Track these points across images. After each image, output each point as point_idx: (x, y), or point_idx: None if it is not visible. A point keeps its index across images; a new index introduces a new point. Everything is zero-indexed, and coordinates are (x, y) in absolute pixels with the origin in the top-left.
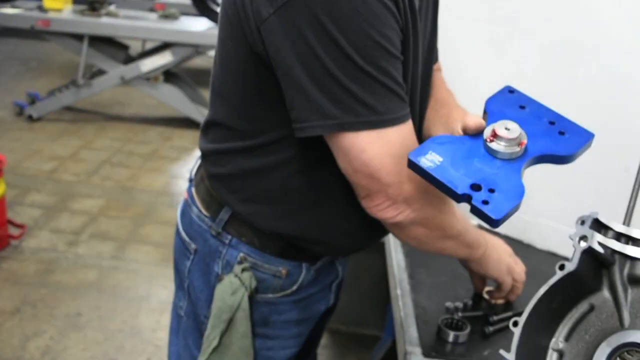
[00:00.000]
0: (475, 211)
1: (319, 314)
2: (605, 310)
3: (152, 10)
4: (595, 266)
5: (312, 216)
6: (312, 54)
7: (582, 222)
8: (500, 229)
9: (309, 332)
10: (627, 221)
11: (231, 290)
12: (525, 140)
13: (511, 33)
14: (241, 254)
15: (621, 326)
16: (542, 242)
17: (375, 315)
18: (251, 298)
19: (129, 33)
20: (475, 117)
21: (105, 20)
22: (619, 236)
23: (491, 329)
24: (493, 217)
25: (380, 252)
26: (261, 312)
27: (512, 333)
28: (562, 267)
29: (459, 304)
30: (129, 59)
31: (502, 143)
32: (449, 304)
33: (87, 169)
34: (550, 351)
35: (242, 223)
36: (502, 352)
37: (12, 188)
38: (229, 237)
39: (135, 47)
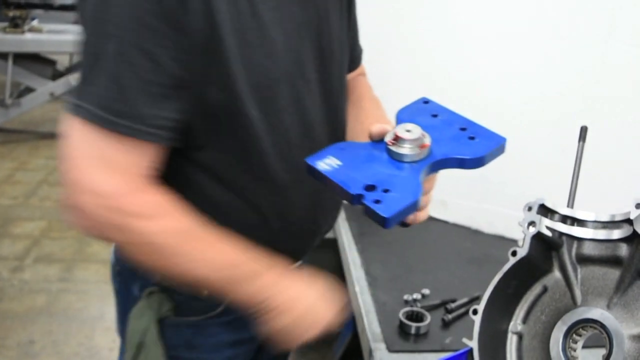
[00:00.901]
0: (368, 212)
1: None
2: (558, 290)
3: (76, 23)
4: (545, 249)
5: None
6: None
7: (530, 208)
8: (449, 217)
9: (252, 353)
10: (570, 203)
11: (139, 314)
12: (427, 143)
13: None
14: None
15: (574, 304)
16: (489, 227)
17: None
18: (164, 321)
19: (55, 48)
20: (378, 124)
21: (29, 36)
22: (564, 219)
23: (450, 316)
24: (383, 214)
25: (334, 250)
26: (184, 335)
27: (471, 319)
28: (514, 253)
29: (417, 295)
30: (58, 74)
31: (403, 145)
32: (407, 296)
33: (24, 191)
34: (509, 334)
35: None
36: (464, 340)
37: None
38: None
39: (62, 62)
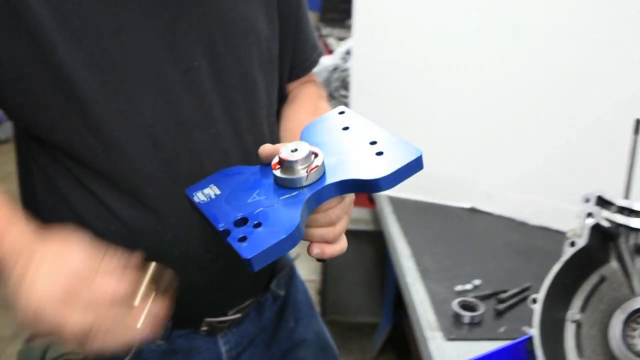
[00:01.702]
0: (233, 251)
1: None
2: (616, 280)
3: None
4: (603, 240)
5: None
6: None
7: (587, 200)
8: (494, 209)
9: None
10: (626, 195)
11: (18, 358)
12: (317, 164)
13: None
14: None
15: (632, 293)
16: (535, 218)
17: (370, 303)
18: None
19: None
20: (268, 144)
21: None
22: (621, 210)
23: (502, 306)
24: (242, 255)
25: (372, 242)
26: None
27: (523, 308)
28: (572, 244)
29: (469, 286)
30: None
31: (287, 168)
32: (459, 287)
33: None
34: (568, 323)
35: None
36: (524, 328)
37: None
38: None
39: None
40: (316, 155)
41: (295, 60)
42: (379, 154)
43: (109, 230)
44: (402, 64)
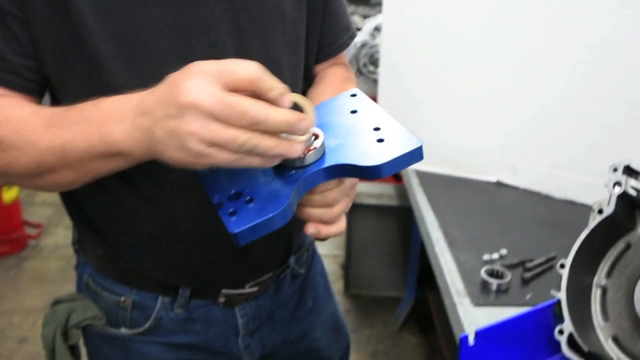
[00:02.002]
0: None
1: None
2: None
3: None
4: (629, 208)
5: (96, 207)
6: None
7: (615, 170)
8: (520, 183)
9: None
10: None
11: (46, 322)
12: (316, 146)
13: None
14: (85, 276)
15: None
16: (560, 192)
17: (393, 277)
18: (90, 329)
19: None
20: None
21: None
22: None
23: (529, 274)
24: (229, 229)
25: (396, 217)
26: (117, 347)
27: (548, 276)
28: (600, 212)
29: (496, 255)
30: None
31: None
32: (486, 256)
33: None
34: (594, 288)
35: (84, 235)
36: (552, 292)
37: (20, 189)
38: (81, 254)
39: None
40: (317, 137)
41: (324, 41)
42: (380, 140)
43: (130, 200)
44: (431, 39)
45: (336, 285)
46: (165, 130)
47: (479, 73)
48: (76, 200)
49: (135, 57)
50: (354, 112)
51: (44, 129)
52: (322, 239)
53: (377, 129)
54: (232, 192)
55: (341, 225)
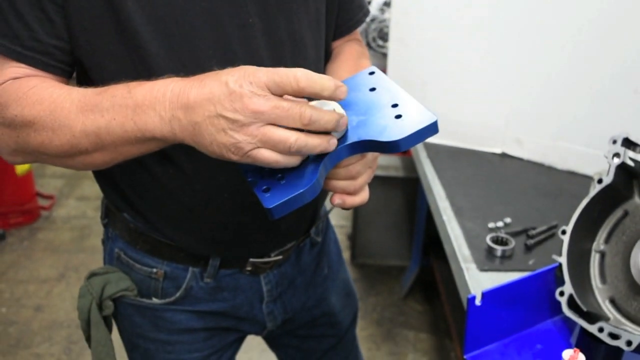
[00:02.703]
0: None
1: (243, 334)
2: (638, 214)
3: None
4: (627, 178)
5: (132, 183)
6: None
7: (614, 142)
8: (524, 154)
9: (233, 342)
10: None
11: (81, 294)
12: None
13: None
14: (116, 250)
15: None
16: (562, 163)
17: (398, 247)
18: (123, 299)
19: None
20: None
21: None
22: None
23: (532, 241)
24: (265, 204)
25: (402, 188)
26: (148, 317)
27: (550, 243)
28: (600, 181)
29: (500, 223)
30: None
31: None
32: (491, 224)
33: None
34: (593, 253)
35: (115, 211)
36: (554, 256)
37: None
38: (110, 229)
39: None
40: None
41: (340, 19)
42: (398, 117)
43: (167, 173)
44: (439, 15)
45: (343, 255)
46: (217, 128)
47: (485, 48)
48: (112, 176)
49: (173, 38)
50: (372, 89)
51: (77, 111)
52: (347, 209)
53: (394, 105)
54: (265, 170)
55: (364, 195)
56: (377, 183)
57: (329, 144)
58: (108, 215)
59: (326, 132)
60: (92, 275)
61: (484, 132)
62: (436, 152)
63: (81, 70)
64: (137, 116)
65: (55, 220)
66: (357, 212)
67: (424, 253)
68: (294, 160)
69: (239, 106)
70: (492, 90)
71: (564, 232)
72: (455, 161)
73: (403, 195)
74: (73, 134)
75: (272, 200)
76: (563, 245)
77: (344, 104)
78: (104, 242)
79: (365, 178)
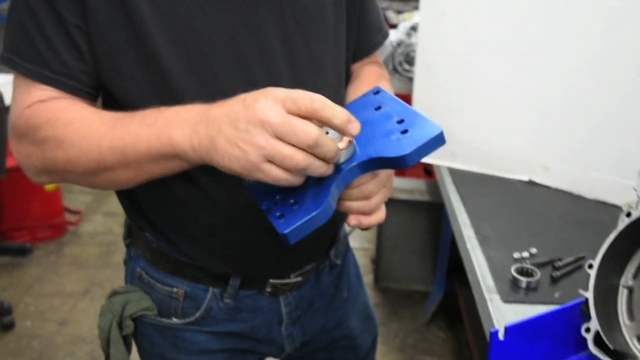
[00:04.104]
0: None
1: (261, 357)
2: None
3: None
4: None
5: (155, 202)
6: None
7: None
8: (551, 183)
9: None
10: None
11: (102, 313)
12: (343, 145)
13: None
14: (138, 270)
15: None
16: (591, 192)
17: (422, 272)
18: (143, 319)
19: None
20: None
21: None
22: None
23: (558, 273)
24: (279, 230)
25: (427, 212)
26: (168, 337)
27: (577, 276)
28: (628, 215)
29: (526, 254)
30: None
31: None
32: (516, 254)
33: None
34: (621, 288)
35: (137, 231)
36: (580, 291)
37: None
38: (133, 248)
39: None
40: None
41: (359, 41)
42: (404, 131)
43: (189, 193)
44: (466, 41)
45: (366, 278)
46: (229, 141)
47: (512, 74)
48: (134, 196)
49: (194, 61)
50: (378, 108)
51: (107, 130)
52: (365, 229)
53: (400, 121)
54: (278, 197)
55: (381, 214)
56: (402, 207)
57: (328, 169)
58: (130, 235)
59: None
60: (114, 294)
61: (511, 158)
62: (462, 179)
63: (105, 93)
64: (163, 133)
65: (82, 235)
66: (381, 235)
67: (448, 278)
68: (298, 180)
69: (250, 117)
70: (519, 116)
71: (590, 267)
72: (481, 188)
73: (428, 219)
74: (100, 150)
75: (286, 225)
76: (590, 280)
77: None
78: (125, 261)
79: (380, 197)
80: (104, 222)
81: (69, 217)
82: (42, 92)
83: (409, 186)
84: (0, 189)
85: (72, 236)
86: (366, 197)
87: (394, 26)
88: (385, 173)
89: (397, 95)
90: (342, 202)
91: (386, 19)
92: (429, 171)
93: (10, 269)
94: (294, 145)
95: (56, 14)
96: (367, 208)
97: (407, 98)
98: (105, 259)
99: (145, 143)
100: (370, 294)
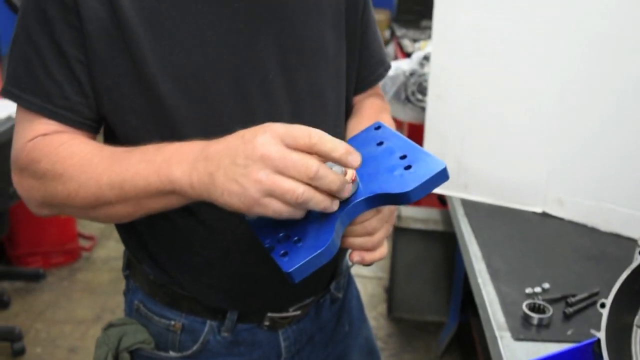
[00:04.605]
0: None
1: None
2: None
3: None
4: None
5: (152, 234)
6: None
7: None
8: (565, 215)
9: None
10: None
11: (98, 345)
12: (351, 180)
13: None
14: (136, 302)
15: None
16: (606, 224)
17: (436, 302)
18: (139, 352)
19: None
20: None
21: None
22: None
23: (571, 310)
24: (284, 269)
25: (441, 242)
26: None
27: (591, 312)
28: None
29: (538, 289)
30: None
31: None
32: (528, 289)
33: None
34: (635, 328)
35: (136, 263)
36: (592, 331)
37: None
38: (131, 280)
39: None
40: (345, 173)
41: (360, 74)
42: (408, 167)
43: (187, 225)
44: (479, 72)
45: (379, 308)
46: (228, 177)
47: (525, 104)
48: (132, 227)
49: (193, 94)
50: (380, 143)
51: (106, 165)
52: (368, 265)
53: (403, 157)
54: (281, 235)
55: (383, 250)
56: (416, 236)
57: (332, 203)
58: (129, 267)
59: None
60: (110, 326)
61: (524, 190)
62: (474, 210)
63: (107, 126)
64: (161, 169)
65: (95, 261)
66: (395, 265)
67: (463, 309)
68: (299, 213)
69: (250, 152)
70: (532, 147)
71: (602, 306)
72: (494, 219)
73: (442, 249)
74: (99, 185)
75: (290, 263)
76: (602, 320)
77: None
78: (125, 293)
79: (382, 233)
80: (117, 248)
81: (82, 242)
82: (44, 125)
83: (423, 215)
84: (14, 214)
85: (86, 262)
86: (369, 234)
87: (409, 54)
88: (388, 209)
89: (410, 125)
90: (345, 238)
91: (401, 48)
92: (443, 200)
93: (24, 294)
94: (295, 179)
95: (58, 47)
96: (369, 244)
97: (420, 128)
98: (117, 286)
99: (143, 179)
100: (384, 324)
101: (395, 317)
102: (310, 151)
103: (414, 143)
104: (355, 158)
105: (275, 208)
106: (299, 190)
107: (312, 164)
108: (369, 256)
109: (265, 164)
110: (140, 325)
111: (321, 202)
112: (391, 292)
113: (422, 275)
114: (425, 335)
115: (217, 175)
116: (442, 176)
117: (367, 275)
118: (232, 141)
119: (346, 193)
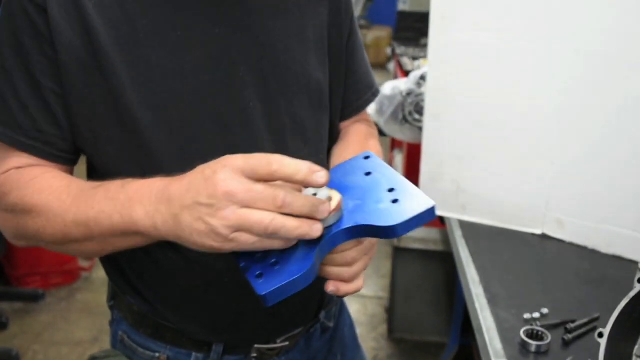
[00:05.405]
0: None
1: None
2: None
3: None
4: None
5: (134, 266)
6: None
7: None
8: (565, 237)
9: None
10: None
11: None
12: (335, 209)
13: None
14: (120, 333)
15: None
16: (607, 247)
17: (437, 323)
18: None
19: None
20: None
21: None
22: None
23: (570, 336)
24: (257, 291)
25: (442, 262)
26: None
27: (591, 339)
28: None
29: (537, 314)
30: None
31: None
32: (527, 315)
33: None
34: (634, 358)
35: (120, 293)
36: None
37: None
38: (116, 311)
39: None
40: (330, 199)
41: (347, 99)
42: (395, 201)
43: (167, 257)
44: (476, 91)
45: (379, 329)
46: (194, 217)
47: (523, 126)
48: (115, 259)
49: (172, 123)
50: (368, 173)
51: (71, 203)
52: (341, 297)
53: (391, 190)
54: (258, 254)
55: (359, 283)
56: (416, 256)
57: (311, 228)
58: (114, 297)
59: (311, 217)
60: (93, 359)
61: (523, 211)
62: (472, 231)
63: (89, 159)
64: (125, 210)
65: (95, 281)
66: (395, 285)
67: (464, 330)
68: (276, 244)
69: (212, 191)
70: (531, 167)
71: (600, 335)
72: (492, 241)
73: (442, 269)
74: (65, 223)
75: (264, 286)
76: (600, 350)
77: (339, 188)
78: (110, 324)
79: (361, 265)
80: None
81: (82, 263)
82: (17, 158)
83: (423, 235)
84: None
85: (85, 282)
86: (348, 264)
87: (408, 73)
88: (369, 241)
89: (407, 145)
90: (323, 266)
91: (401, 66)
92: (443, 220)
93: (23, 315)
94: (265, 210)
95: (32, 78)
96: (347, 275)
97: (417, 148)
98: None
99: (107, 219)
100: (384, 345)
101: (396, 337)
102: (272, 179)
103: (403, 177)
104: (321, 175)
105: (247, 241)
106: (266, 220)
107: (277, 193)
108: (344, 287)
109: (230, 200)
110: (125, 357)
111: (296, 229)
112: (392, 312)
113: (423, 296)
114: (427, 356)
115: (182, 217)
116: (429, 214)
117: (368, 295)
118: (193, 179)
119: (324, 214)
